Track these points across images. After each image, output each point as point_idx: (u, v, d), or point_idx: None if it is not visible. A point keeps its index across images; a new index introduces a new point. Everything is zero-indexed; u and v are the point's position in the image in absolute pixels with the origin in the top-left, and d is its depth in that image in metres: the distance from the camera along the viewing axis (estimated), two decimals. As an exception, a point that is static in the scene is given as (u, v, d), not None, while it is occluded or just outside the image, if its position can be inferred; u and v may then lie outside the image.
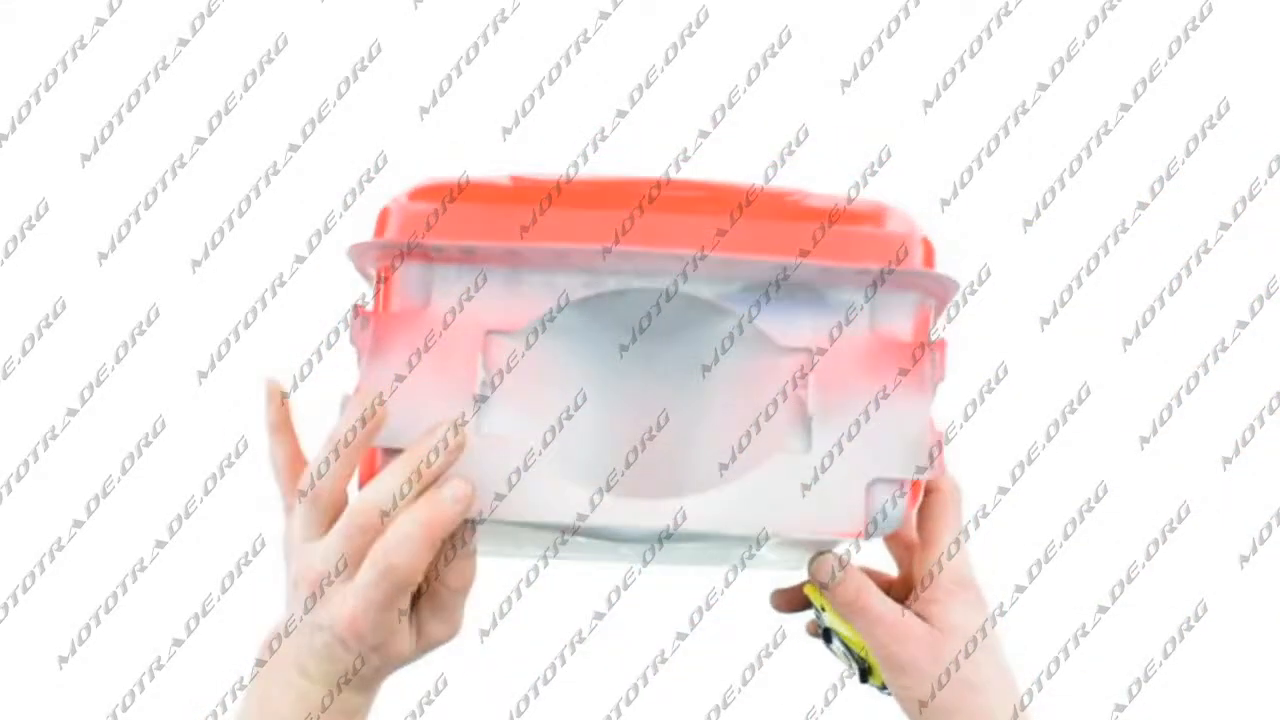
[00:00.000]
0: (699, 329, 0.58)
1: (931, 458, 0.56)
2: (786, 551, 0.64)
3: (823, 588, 0.60)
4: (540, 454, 0.56)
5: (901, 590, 0.62)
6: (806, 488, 0.56)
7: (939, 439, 0.57)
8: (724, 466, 0.57)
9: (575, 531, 0.58)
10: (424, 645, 0.56)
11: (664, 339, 0.58)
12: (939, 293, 0.58)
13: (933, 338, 0.58)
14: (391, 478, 0.54)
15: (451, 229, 0.57)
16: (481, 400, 0.56)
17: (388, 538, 0.53)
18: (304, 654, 0.55)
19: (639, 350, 0.58)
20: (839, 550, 0.61)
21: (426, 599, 0.56)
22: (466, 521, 0.55)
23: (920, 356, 0.57)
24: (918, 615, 0.60)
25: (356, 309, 0.58)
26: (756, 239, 0.57)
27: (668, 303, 0.57)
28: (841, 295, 0.57)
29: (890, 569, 0.65)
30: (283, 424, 0.58)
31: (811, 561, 0.60)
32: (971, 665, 0.59)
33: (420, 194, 0.58)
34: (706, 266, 0.56)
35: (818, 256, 0.56)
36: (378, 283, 0.58)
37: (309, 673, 0.55)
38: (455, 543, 0.55)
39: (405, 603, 0.54)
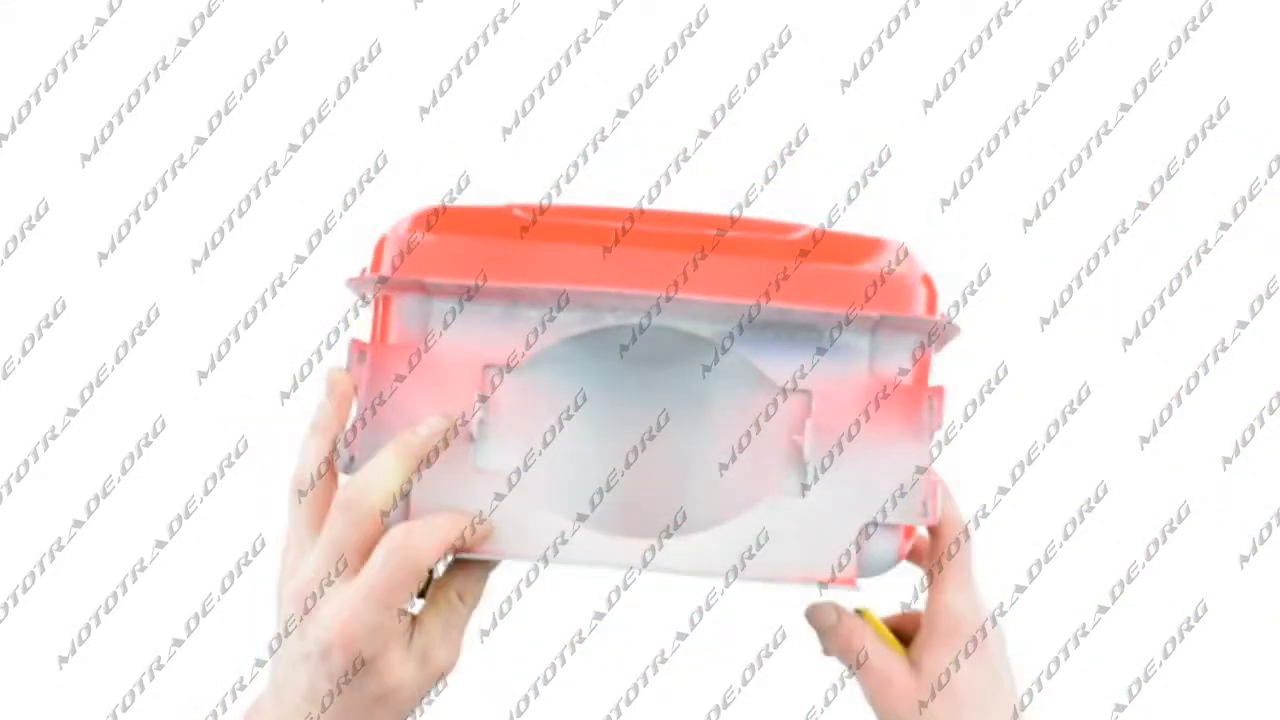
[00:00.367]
0: (696, 366, 0.58)
1: (926, 504, 0.56)
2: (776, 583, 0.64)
3: (819, 632, 0.60)
4: (533, 489, 0.56)
5: (913, 631, 0.62)
6: (798, 530, 0.56)
7: (935, 484, 0.56)
8: (712, 499, 0.57)
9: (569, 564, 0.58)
10: (424, 670, 0.54)
11: (661, 374, 0.58)
12: (938, 335, 0.58)
13: (931, 380, 0.58)
14: (381, 464, 0.54)
15: (449, 263, 0.57)
16: (476, 435, 0.56)
17: (412, 524, 0.53)
18: (290, 682, 0.53)
19: (636, 385, 0.58)
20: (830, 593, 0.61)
21: (432, 613, 0.55)
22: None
23: (918, 401, 0.57)
24: (913, 661, 0.60)
25: (354, 342, 0.57)
26: (756, 278, 0.57)
27: (664, 339, 0.57)
28: (841, 338, 0.57)
29: (905, 576, 0.65)
30: (327, 427, 0.57)
31: (810, 608, 0.60)
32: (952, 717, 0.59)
33: (418, 224, 0.58)
34: (704, 305, 0.56)
35: (815, 298, 0.56)
36: (374, 314, 0.58)
37: (295, 699, 0.53)
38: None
39: (405, 605, 0.53)
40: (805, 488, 0.56)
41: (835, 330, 0.57)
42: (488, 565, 0.56)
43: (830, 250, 0.58)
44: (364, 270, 0.58)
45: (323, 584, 0.53)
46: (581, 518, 0.56)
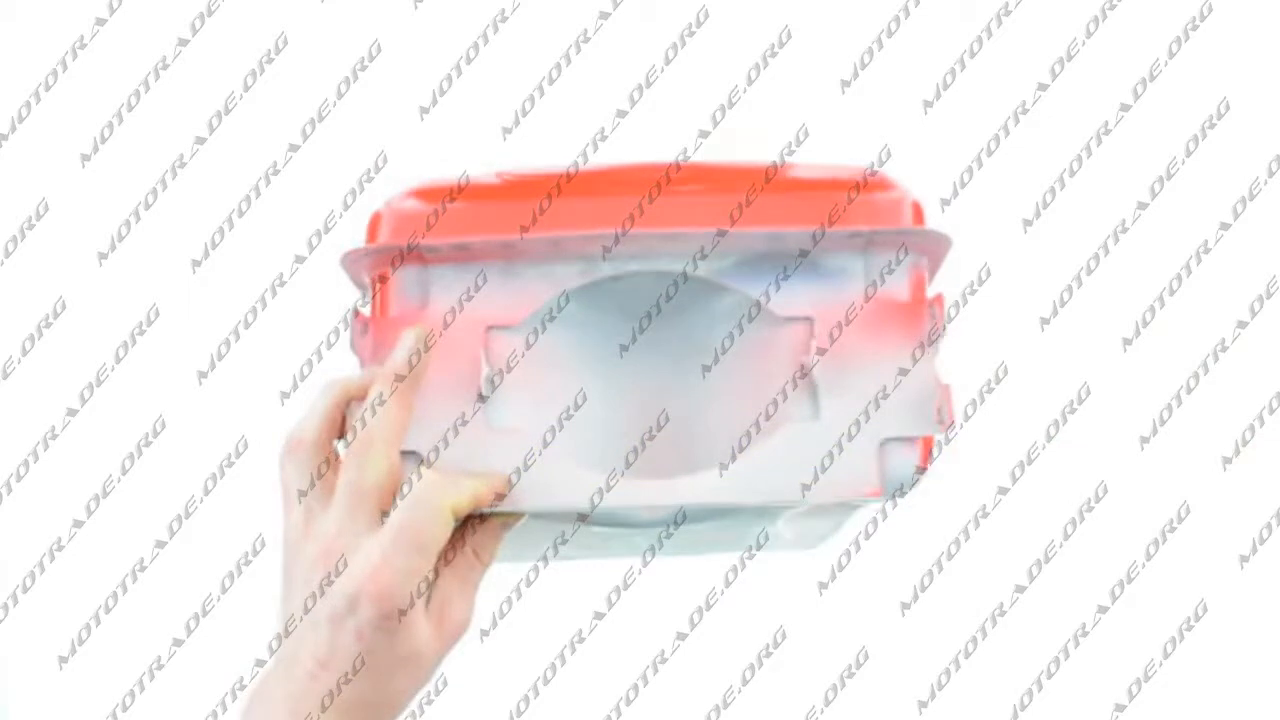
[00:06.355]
0: (698, 306, 0.58)
1: (941, 412, 0.56)
2: (802, 525, 0.64)
3: None
4: (551, 442, 0.56)
5: None
6: (818, 453, 0.56)
7: (947, 392, 0.57)
8: (728, 434, 0.57)
9: (590, 518, 0.58)
10: (441, 629, 0.53)
11: (664, 319, 0.58)
12: (932, 250, 0.59)
13: (930, 295, 0.59)
14: (380, 404, 0.53)
15: (443, 229, 0.58)
16: (486, 396, 0.56)
17: (439, 473, 0.53)
18: (305, 649, 0.51)
19: (638, 333, 0.59)
20: (863, 512, 0.61)
21: (448, 570, 0.54)
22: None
23: (919, 312, 0.57)
24: None
25: (355, 315, 0.58)
26: (748, 211, 0.57)
27: (664, 283, 0.58)
28: (836, 261, 0.58)
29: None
30: (345, 390, 0.55)
31: None
32: None
33: (411, 196, 0.59)
34: (700, 243, 0.57)
35: (808, 224, 0.57)
36: (374, 288, 0.58)
37: (310, 667, 0.51)
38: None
39: (436, 552, 0.52)
40: (819, 412, 0.56)
41: (834, 254, 0.57)
42: (504, 522, 0.56)
43: (820, 179, 0.59)
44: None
45: (350, 534, 0.51)
46: (602, 467, 0.56)
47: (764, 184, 0.58)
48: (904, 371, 0.57)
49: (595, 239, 0.56)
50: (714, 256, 0.57)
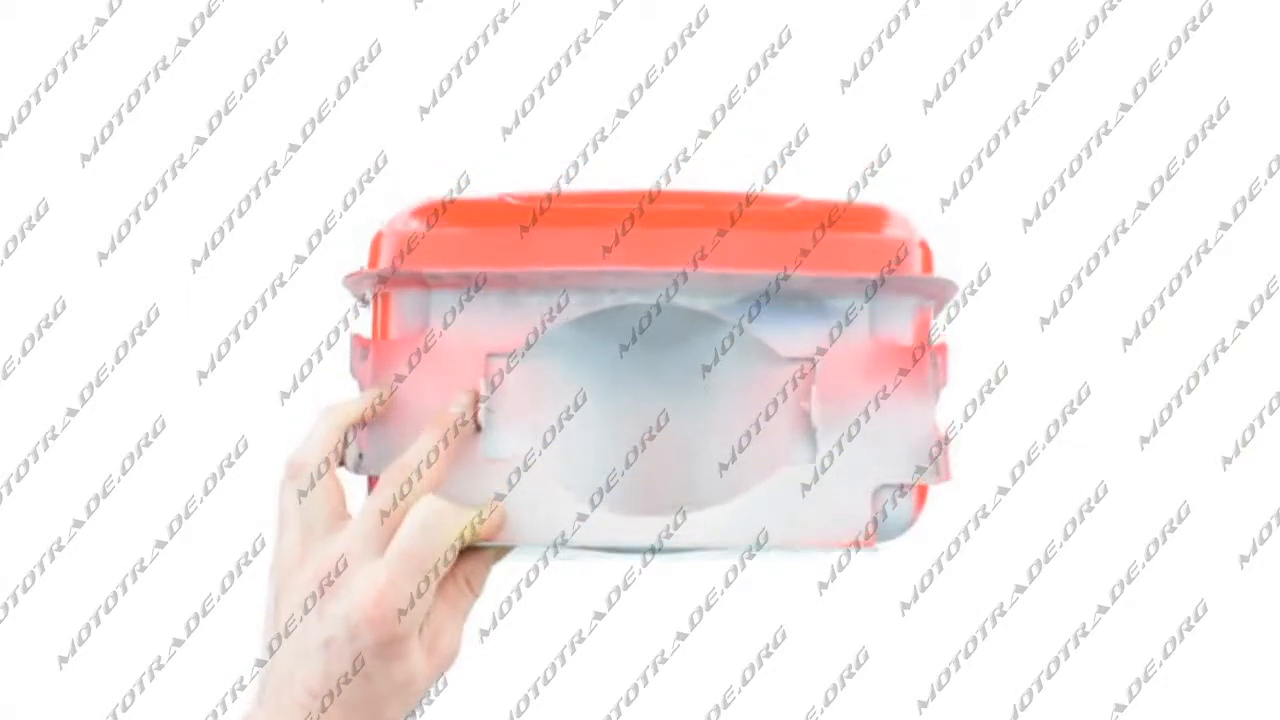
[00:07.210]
0: (699, 342, 0.58)
1: (936, 461, 0.56)
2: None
3: None
4: (545, 476, 0.56)
5: None
6: (812, 497, 0.56)
7: (944, 442, 0.57)
8: (724, 473, 0.57)
9: (584, 549, 0.58)
10: (432, 658, 0.53)
11: (665, 353, 0.58)
12: (938, 295, 0.58)
13: (934, 340, 0.58)
14: (423, 444, 0.54)
15: (447, 254, 0.57)
16: (482, 425, 0.56)
17: (440, 500, 0.53)
18: (296, 678, 0.51)
19: (640, 365, 0.58)
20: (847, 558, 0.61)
21: (439, 599, 0.54)
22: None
23: (922, 361, 0.57)
24: None
25: (355, 338, 0.58)
26: (753, 250, 0.57)
27: (665, 317, 0.57)
28: (840, 303, 0.57)
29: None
30: (346, 415, 0.56)
31: None
32: None
33: (414, 218, 0.59)
34: (704, 280, 0.56)
35: (814, 265, 0.57)
36: (375, 311, 0.58)
37: (300, 696, 0.50)
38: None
39: (435, 586, 0.52)
40: (816, 455, 0.56)
41: (839, 295, 0.57)
42: (495, 552, 0.56)
43: (825, 218, 0.58)
44: (361, 268, 0.59)
45: (355, 559, 0.51)
46: (595, 501, 0.56)
47: (772, 222, 0.58)
48: (903, 418, 0.56)
49: (598, 275, 0.56)
50: (717, 293, 0.57)
